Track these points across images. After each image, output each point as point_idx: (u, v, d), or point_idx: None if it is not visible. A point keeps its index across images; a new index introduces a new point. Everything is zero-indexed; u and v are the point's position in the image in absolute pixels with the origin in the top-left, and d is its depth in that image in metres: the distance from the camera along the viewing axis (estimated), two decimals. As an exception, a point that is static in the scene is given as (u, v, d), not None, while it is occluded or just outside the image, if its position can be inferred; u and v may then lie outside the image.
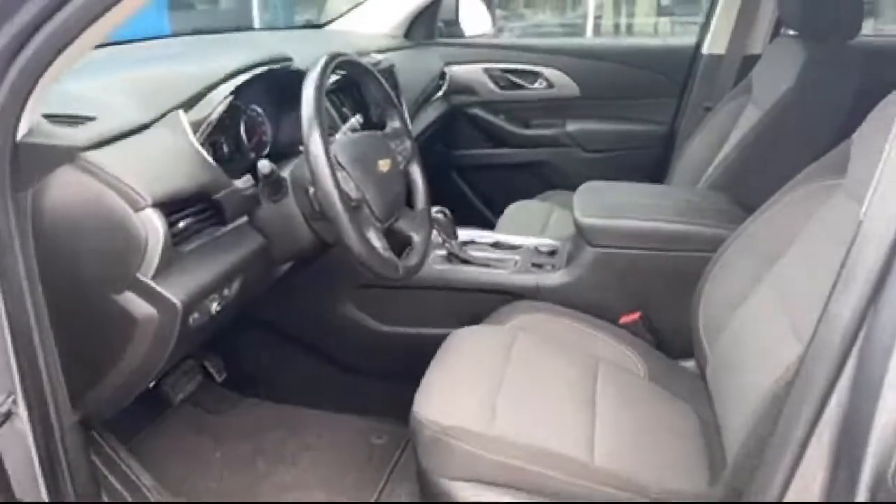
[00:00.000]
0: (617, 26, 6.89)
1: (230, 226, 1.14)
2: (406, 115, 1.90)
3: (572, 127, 2.52)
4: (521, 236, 1.77)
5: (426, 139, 2.28)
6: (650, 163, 2.50)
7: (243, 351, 1.73)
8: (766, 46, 2.04)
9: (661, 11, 7.00)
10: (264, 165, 1.15)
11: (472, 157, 2.66)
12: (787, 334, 0.93)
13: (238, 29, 2.61)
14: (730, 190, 1.70)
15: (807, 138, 1.64)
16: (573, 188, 2.38)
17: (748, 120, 1.79)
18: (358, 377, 1.70)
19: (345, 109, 1.62)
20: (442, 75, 2.50)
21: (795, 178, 1.19)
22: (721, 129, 2.00)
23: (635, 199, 1.62)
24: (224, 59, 1.32)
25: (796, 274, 1.05)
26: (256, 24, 6.15)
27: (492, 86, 2.56)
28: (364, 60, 1.52)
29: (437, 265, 1.60)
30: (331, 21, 2.46)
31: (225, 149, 1.26)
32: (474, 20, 2.72)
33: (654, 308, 1.52)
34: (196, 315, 1.03)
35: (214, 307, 1.08)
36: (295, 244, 1.24)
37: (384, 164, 1.23)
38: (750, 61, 2.25)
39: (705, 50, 2.34)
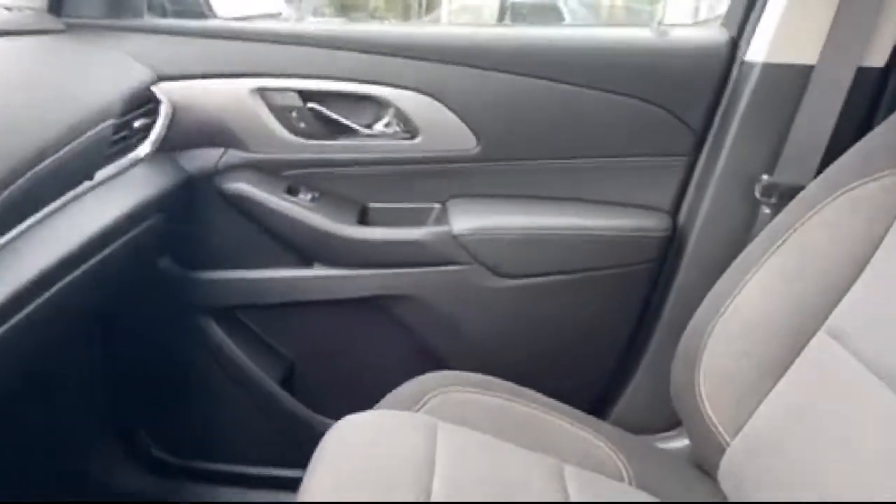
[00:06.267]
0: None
1: None
2: None
3: (462, 225, 1.13)
4: None
5: (125, 255, 0.86)
6: (633, 304, 1.15)
7: None
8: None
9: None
10: None
11: (247, 290, 1.19)
12: None
13: None
14: None
15: None
16: (475, 366, 1.04)
17: None
18: None
19: None
20: (147, 104, 1.04)
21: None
22: (851, 253, 0.74)
23: None
24: None
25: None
26: None
27: (279, 129, 1.12)
28: None
29: None
30: None
31: None
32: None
33: None
34: None
35: None
36: None
37: None
38: (870, 78, 0.99)
39: (756, 56, 1.03)
